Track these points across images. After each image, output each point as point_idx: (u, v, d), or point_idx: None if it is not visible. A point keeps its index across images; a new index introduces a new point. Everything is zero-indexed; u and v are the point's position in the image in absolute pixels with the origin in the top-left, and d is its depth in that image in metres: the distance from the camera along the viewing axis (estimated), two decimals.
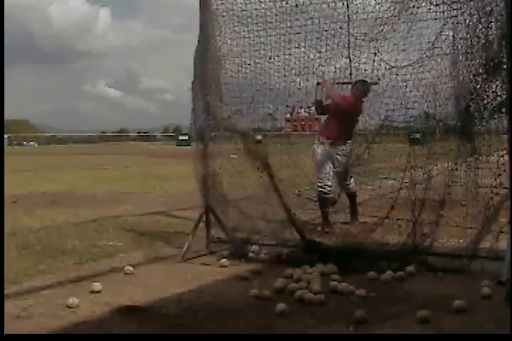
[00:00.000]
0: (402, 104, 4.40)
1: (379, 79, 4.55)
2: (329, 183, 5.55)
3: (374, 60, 4.49)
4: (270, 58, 4.77)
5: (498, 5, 3.91)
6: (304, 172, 5.25)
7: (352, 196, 5.68)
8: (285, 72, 4.77)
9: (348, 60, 4.68)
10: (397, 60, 4.40)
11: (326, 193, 5.54)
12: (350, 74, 4.86)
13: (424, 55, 4.27)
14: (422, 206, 4.27)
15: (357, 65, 4.67)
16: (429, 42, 4.25)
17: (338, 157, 5.54)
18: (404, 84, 4.37)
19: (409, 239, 4.35)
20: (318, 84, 5.24)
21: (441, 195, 4.22)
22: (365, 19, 4.47)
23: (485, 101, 3.98)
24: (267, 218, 4.91)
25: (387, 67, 4.43)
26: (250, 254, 4.72)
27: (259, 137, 4.98)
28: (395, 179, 4.71)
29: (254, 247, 4.82)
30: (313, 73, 4.79)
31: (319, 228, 5.51)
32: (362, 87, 5.12)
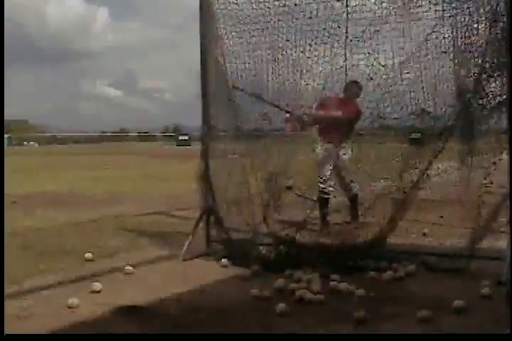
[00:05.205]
0: (398, 102, 4.40)
1: (370, 78, 4.52)
2: (331, 184, 5.54)
3: (373, 59, 4.49)
4: (271, 57, 4.77)
5: (497, 4, 3.91)
6: (303, 172, 5.25)
7: (354, 198, 5.65)
8: (283, 72, 4.77)
9: (344, 59, 4.67)
10: (394, 59, 4.38)
11: (327, 193, 5.54)
12: (346, 75, 4.85)
13: (423, 54, 4.26)
14: (423, 206, 4.28)
15: (354, 63, 4.66)
16: (428, 40, 4.25)
17: (343, 157, 5.52)
18: (403, 82, 4.37)
19: (410, 239, 4.35)
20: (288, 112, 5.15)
21: (441, 195, 4.22)
22: (363, 18, 4.47)
23: (484, 101, 3.99)
24: (266, 218, 4.90)
25: (385, 65, 4.41)
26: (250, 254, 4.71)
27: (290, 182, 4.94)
28: (395, 179, 4.70)
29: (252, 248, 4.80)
30: (308, 71, 4.78)
31: (318, 228, 5.50)
32: (356, 89, 5.12)
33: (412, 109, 4.39)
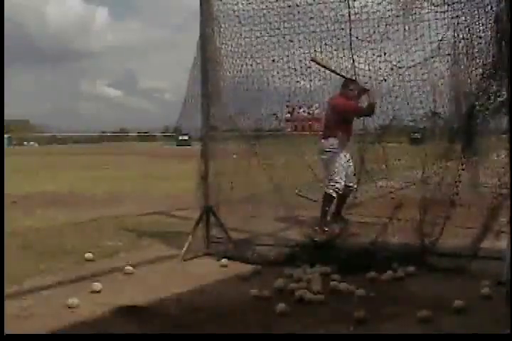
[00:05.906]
0: (408, 103, 4.40)
1: (384, 80, 4.53)
2: (343, 183, 5.51)
3: (374, 60, 4.49)
4: (271, 58, 4.76)
5: (498, 5, 3.91)
6: (303, 172, 5.25)
7: (349, 192, 5.62)
8: (287, 73, 4.76)
9: (351, 61, 4.68)
10: (399, 61, 4.39)
11: (336, 191, 5.50)
12: (354, 75, 4.85)
13: (426, 56, 4.27)
14: (423, 206, 4.27)
15: (359, 65, 4.66)
16: (431, 42, 4.25)
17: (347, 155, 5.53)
18: (408, 84, 4.37)
19: (410, 239, 4.35)
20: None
21: (443, 195, 4.21)
22: (366, 19, 4.47)
23: (486, 102, 3.99)
24: (266, 218, 4.91)
25: (391, 67, 4.41)
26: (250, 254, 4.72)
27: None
28: (396, 179, 4.70)
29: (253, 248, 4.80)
30: (314, 73, 4.78)
31: (317, 227, 5.49)
32: (354, 86, 5.12)
33: (425, 112, 4.41)
